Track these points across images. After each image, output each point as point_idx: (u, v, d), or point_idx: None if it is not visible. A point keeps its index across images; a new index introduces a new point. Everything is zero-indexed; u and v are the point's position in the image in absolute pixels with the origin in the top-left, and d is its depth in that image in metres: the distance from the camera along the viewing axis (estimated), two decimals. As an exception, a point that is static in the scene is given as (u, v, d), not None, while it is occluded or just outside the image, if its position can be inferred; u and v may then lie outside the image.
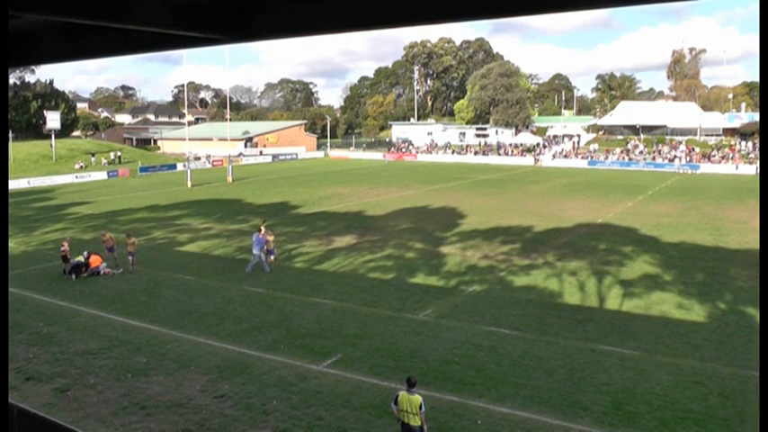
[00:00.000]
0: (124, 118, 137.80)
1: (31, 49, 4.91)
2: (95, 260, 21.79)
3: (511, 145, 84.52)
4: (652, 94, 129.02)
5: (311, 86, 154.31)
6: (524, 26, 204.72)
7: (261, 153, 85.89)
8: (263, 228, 22.85)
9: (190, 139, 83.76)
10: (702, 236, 28.37)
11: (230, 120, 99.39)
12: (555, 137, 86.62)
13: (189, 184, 52.22)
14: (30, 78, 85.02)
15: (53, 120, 72.24)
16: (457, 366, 13.41)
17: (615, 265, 22.81)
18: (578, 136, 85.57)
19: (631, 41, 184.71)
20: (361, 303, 18.29)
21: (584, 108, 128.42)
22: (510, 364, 13.56)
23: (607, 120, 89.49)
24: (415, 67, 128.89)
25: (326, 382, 12.66)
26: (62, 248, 22.07)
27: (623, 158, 71.99)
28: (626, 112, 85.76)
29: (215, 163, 74.48)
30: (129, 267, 22.11)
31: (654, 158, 70.86)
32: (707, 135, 78.43)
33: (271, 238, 22.74)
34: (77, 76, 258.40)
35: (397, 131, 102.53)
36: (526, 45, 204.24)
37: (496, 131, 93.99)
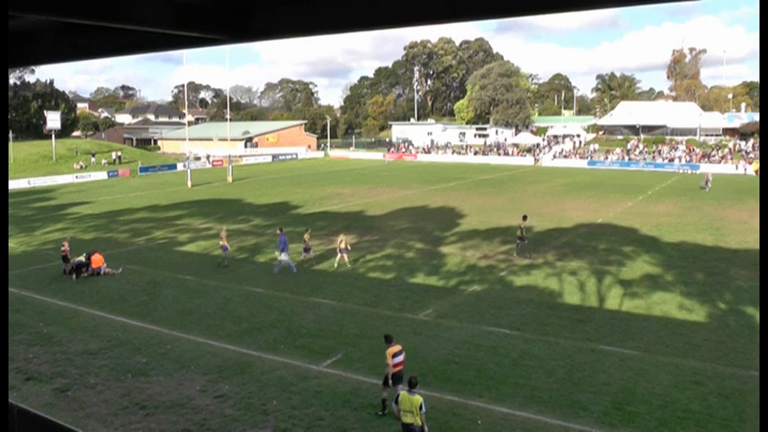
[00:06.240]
0: (124, 118, 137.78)
1: (31, 49, 4.91)
2: (97, 260, 21.79)
3: (511, 145, 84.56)
4: (652, 94, 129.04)
5: (311, 86, 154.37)
6: (530, 25, 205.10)
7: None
8: None
9: (190, 139, 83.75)
10: (702, 236, 28.36)
11: (230, 120, 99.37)
12: (555, 137, 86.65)
13: (189, 184, 52.23)
14: (30, 78, 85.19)
15: (53, 120, 72.21)
16: (457, 366, 13.41)
17: (615, 264, 22.81)
18: (578, 136, 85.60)
19: (635, 41, 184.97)
20: (361, 303, 18.29)
21: (584, 108, 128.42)
22: (510, 364, 13.56)
23: (607, 120, 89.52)
24: (415, 68, 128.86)
25: (326, 382, 12.66)
26: (62, 248, 22.08)
27: (623, 158, 72.00)
28: (626, 112, 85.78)
29: (215, 163, 74.50)
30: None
31: (654, 158, 70.86)
32: (707, 135, 78.44)
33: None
34: (77, 76, 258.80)
35: (397, 131, 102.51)
36: (531, 44, 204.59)
37: (496, 131, 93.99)
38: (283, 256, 21.45)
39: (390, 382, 11.06)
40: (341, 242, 22.53)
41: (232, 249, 26.14)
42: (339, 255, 22.52)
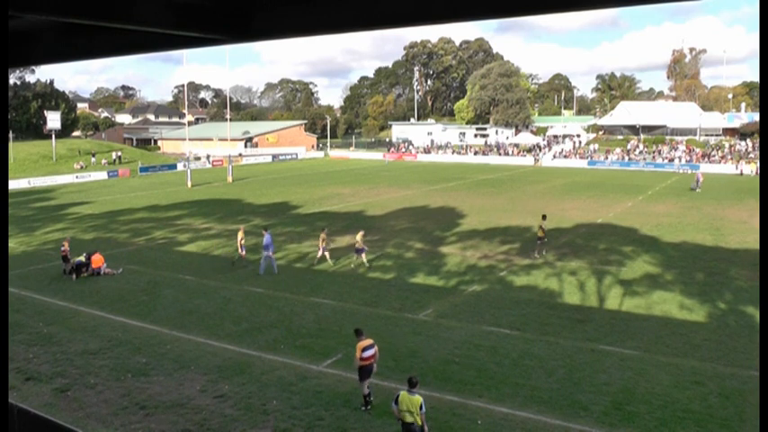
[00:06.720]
0: (124, 118, 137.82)
1: (31, 49, 4.90)
2: (97, 260, 21.79)
3: (511, 145, 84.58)
4: (652, 94, 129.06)
5: (311, 86, 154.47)
6: (530, 25, 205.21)
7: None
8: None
9: (190, 140, 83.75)
10: (702, 236, 28.36)
11: (230, 120, 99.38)
12: (555, 137, 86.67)
13: (189, 184, 52.24)
14: (30, 78, 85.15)
15: (53, 120, 72.19)
16: (457, 366, 13.41)
17: (615, 264, 22.81)
18: (578, 136, 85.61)
19: (635, 41, 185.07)
20: (361, 303, 18.29)
21: (584, 108, 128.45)
22: (510, 364, 13.55)
23: (607, 120, 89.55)
24: (415, 68, 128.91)
25: (326, 382, 12.66)
26: (62, 248, 22.09)
27: (623, 158, 72.01)
28: (626, 112, 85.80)
29: (215, 163, 74.52)
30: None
31: (654, 158, 70.87)
32: (707, 135, 78.45)
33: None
34: (77, 76, 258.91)
35: (397, 131, 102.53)
36: (531, 44, 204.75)
37: (496, 131, 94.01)
38: (265, 253, 21.55)
39: (358, 376, 11.31)
40: (357, 243, 22.59)
41: (232, 249, 26.18)
42: (356, 255, 22.64)
